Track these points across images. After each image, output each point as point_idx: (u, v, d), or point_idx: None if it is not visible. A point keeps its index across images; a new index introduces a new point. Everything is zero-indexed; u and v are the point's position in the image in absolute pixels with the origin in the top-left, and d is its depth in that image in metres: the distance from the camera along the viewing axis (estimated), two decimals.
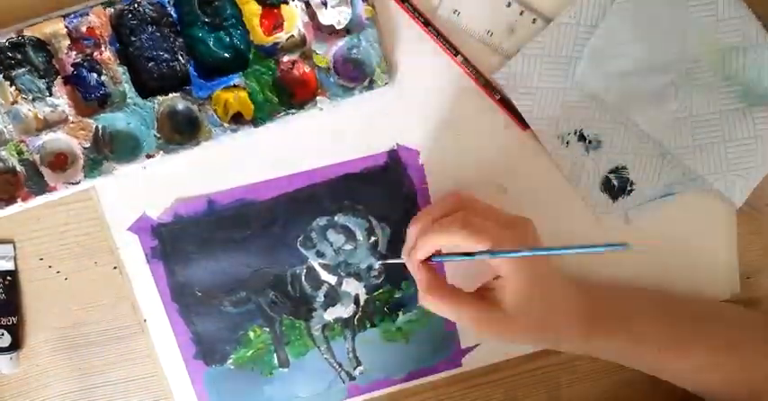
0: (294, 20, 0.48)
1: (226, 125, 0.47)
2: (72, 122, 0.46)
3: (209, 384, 0.52)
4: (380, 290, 0.53)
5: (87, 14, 0.46)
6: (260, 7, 0.47)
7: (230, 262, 0.51)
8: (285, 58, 0.48)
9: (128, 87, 0.46)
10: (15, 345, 0.50)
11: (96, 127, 0.47)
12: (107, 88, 0.47)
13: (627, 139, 0.52)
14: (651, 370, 0.51)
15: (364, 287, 0.52)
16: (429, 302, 0.44)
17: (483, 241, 0.41)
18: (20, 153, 0.46)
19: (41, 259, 0.50)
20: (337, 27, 0.48)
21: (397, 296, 0.53)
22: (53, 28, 0.46)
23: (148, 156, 0.47)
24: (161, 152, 0.47)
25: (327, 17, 0.48)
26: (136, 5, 0.46)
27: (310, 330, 0.53)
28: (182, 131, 0.48)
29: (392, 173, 0.51)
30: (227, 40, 0.48)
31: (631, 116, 0.51)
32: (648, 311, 0.49)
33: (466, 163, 0.51)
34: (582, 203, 0.53)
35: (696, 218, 0.54)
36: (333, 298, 0.52)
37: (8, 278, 0.49)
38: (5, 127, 0.47)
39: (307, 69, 0.48)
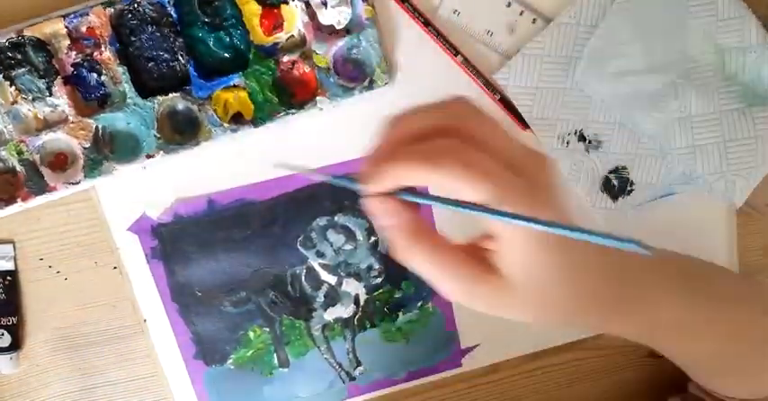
0: (294, 20, 0.48)
1: (226, 125, 0.47)
2: (72, 122, 0.46)
3: (209, 384, 0.52)
4: (380, 290, 0.53)
5: (87, 14, 0.46)
6: (260, 7, 0.47)
7: (230, 263, 0.51)
8: (285, 58, 0.48)
9: (128, 87, 0.46)
10: (15, 345, 0.50)
11: (96, 127, 0.47)
12: (107, 88, 0.47)
13: (627, 139, 0.52)
14: (666, 353, 0.44)
15: (364, 287, 0.52)
16: (414, 253, 0.32)
17: (482, 191, 0.29)
18: (20, 153, 0.46)
19: (41, 259, 0.50)
20: (337, 27, 0.48)
21: (397, 296, 0.53)
22: (53, 28, 0.46)
23: (148, 156, 0.47)
24: (161, 152, 0.47)
25: (327, 17, 0.48)
26: (136, 5, 0.46)
27: (310, 330, 0.53)
28: (182, 131, 0.48)
29: None
30: (227, 40, 0.48)
31: (631, 116, 0.51)
32: (671, 294, 0.40)
33: None
34: (582, 203, 0.53)
35: (696, 218, 0.54)
36: (333, 298, 0.52)
37: (8, 278, 0.49)
38: (5, 127, 0.47)
39: (307, 69, 0.48)
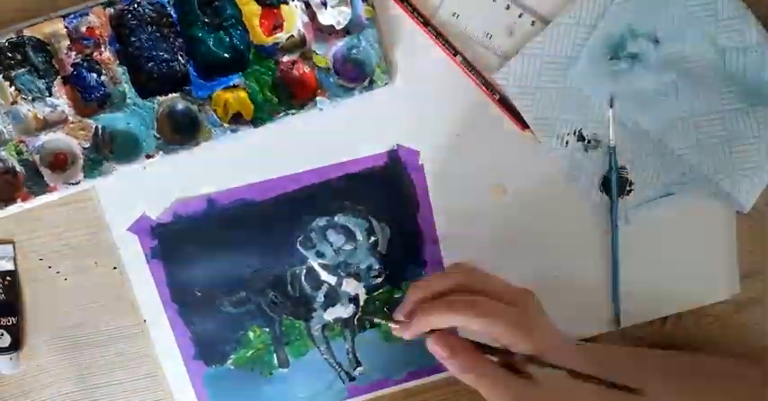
0: (294, 20, 0.48)
1: (226, 125, 0.47)
2: (72, 122, 0.46)
3: (209, 384, 0.52)
4: (380, 291, 0.53)
5: (87, 15, 0.46)
6: (260, 7, 0.48)
7: (230, 263, 0.51)
8: (285, 59, 0.48)
9: (127, 87, 0.46)
10: (15, 345, 0.50)
11: (96, 127, 0.47)
12: (107, 88, 0.48)
13: (627, 139, 0.52)
14: None
15: (364, 287, 0.52)
16: (467, 375, 0.41)
17: (488, 325, 0.40)
18: (19, 153, 0.46)
19: (41, 259, 0.50)
20: (337, 27, 0.48)
21: (397, 296, 0.53)
22: (53, 28, 0.46)
23: (148, 156, 0.47)
24: (161, 152, 0.47)
25: (327, 17, 0.48)
26: (136, 5, 0.46)
27: (310, 330, 0.53)
28: (181, 131, 0.48)
29: (392, 173, 0.51)
30: (227, 40, 0.48)
31: (631, 116, 0.51)
32: (659, 375, 0.49)
33: (466, 163, 0.51)
34: (582, 203, 0.53)
35: (695, 218, 0.54)
36: (333, 298, 0.52)
37: (8, 278, 0.49)
38: (5, 127, 0.47)
39: (306, 69, 0.48)
